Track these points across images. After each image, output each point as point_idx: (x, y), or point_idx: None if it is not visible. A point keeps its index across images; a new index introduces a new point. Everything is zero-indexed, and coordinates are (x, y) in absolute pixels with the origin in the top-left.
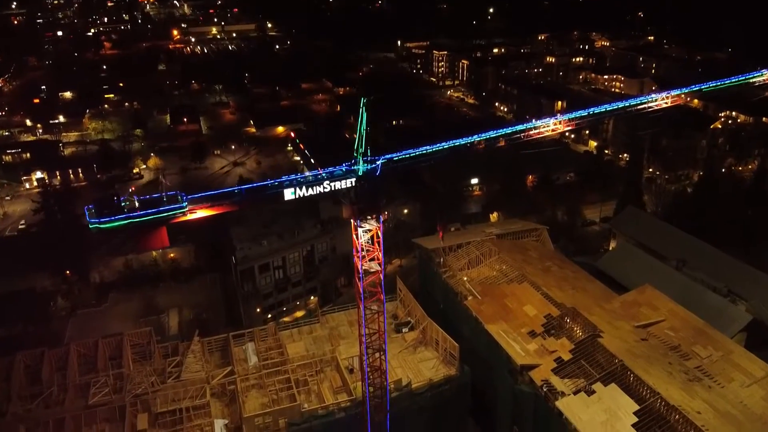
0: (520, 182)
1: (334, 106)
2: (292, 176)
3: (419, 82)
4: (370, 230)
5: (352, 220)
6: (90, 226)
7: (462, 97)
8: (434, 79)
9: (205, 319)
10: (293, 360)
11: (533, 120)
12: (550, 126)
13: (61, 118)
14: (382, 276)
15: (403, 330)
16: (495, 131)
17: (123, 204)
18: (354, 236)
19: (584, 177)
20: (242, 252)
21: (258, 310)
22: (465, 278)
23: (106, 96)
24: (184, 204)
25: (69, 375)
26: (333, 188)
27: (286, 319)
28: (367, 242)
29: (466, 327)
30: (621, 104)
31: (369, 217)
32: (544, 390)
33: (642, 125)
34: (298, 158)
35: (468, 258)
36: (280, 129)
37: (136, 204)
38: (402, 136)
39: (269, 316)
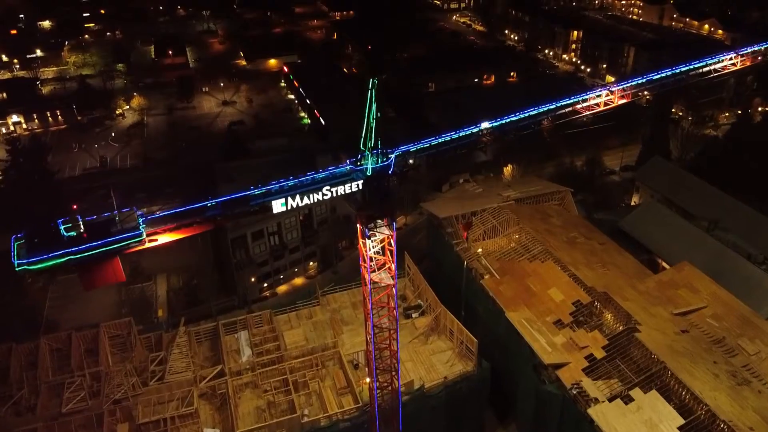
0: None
1: (330, 33)
2: (282, 182)
3: (421, 3)
4: (381, 239)
5: (358, 226)
6: (17, 268)
7: (469, 23)
8: (438, 1)
9: (196, 286)
10: (291, 352)
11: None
12: (602, 97)
13: (39, 52)
14: (395, 290)
15: (413, 315)
16: (536, 108)
17: (63, 231)
18: (361, 244)
19: (603, 117)
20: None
21: (253, 279)
22: (480, 250)
23: (86, 25)
24: (141, 230)
25: (40, 374)
26: (335, 194)
27: (283, 287)
28: (378, 253)
29: (482, 308)
30: (696, 64)
31: (380, 224)
32: (574, 393)
33: (665, 57)
34: (292, 96)
35: (484, 228)
36: (273, 62)
37: (81, 228)
38: (408, 68)
39: (265, 285)
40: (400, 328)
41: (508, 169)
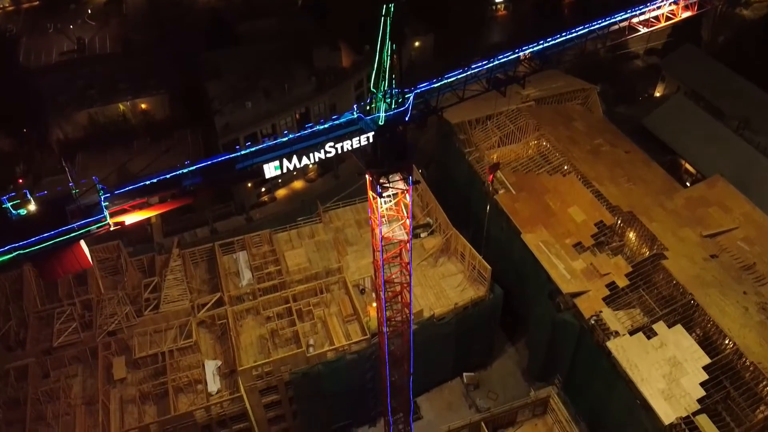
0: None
1: None
2: (274, 139)
3: None
4: (395, 194)
5: (368, 177)
6: None
7: None
8: None
9: (190, 191)
10: (293, 277)
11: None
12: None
13: None
14: (410, 245)
15: (422, 235)
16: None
17: (11, 209)
18: (370, 198)
19: None
20: (223, 119)
21: (249, 185)
22: (494, 157)
23: None
24: (104, 212)
25: (27, 305)
26: (340, 150)
27: (282, 191)
28: (390, 208)
29: (496, 226)
30: None
31: (395, 179)
32: (592, 323)
33: None
34: None
35: (500, 134)
36: None
37: (32, 207)
38: None
39: (263, 189)
40: None
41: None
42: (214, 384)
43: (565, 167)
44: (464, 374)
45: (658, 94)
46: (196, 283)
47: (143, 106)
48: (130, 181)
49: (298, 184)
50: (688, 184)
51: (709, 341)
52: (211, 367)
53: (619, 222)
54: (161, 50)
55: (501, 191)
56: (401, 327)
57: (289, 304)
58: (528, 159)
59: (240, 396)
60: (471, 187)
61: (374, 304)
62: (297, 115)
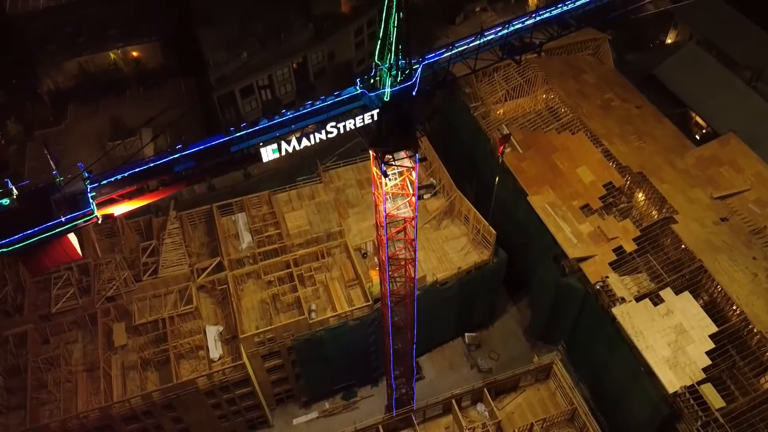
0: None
1: None
2: (272, 119)
3: None
4: (400, 172)
5: (372, 153)
6: None
7: None
8: None
9: (186, 144)
10: (294, 240)
11: None
12: None
13: None
14: (415, 222)
15: (425, 196)
16: None
17: None
18: (375, 179)
19: None
20: (217, 71)
21: None
22: (501, 111)
23: None
24: (91, 204)
25: (23, 269)
26: (342, 130)
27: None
28: (396, 185)
29: (501, 186)
30: None
31: (400, 155)
32: (598, 288)
33: None
34: None
35: (507, 87)
36: None
37: (15, 198)
38: None
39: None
40: None
41: (533, 0)
42: (215, 350)
43: (575, 124)
44: (466, 334)
45: (669, 41)
46: (195, 246)
47: (135, 54)
48: (118, 167)
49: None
50: (697, 137)
51: (716, 308)
52: (212, 333)
53: (628, 183)
54: None
55: (508, 150)
56: (405, 299)
57: (290, 269)
58: (536, 114)
59: (242, 364)
60: (476, 143)
61: (377, 269)
62: (294, 65)
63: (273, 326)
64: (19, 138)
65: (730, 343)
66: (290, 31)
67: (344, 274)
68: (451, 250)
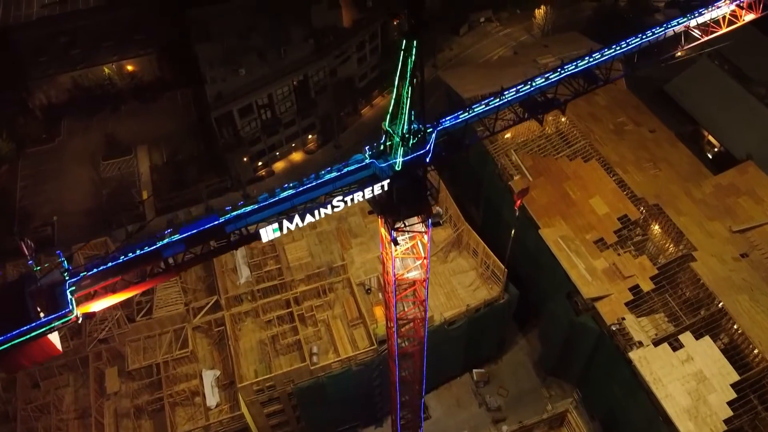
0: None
1: None
2: (274, 195)
3: None
4: (412, 237)
5: (380, 222)
6: None
7: None
8: None
9: (182, 162)
10: (295, 276)
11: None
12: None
13: None
14: (426, 284)
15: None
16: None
17: None
18: (384, 243)
19: None
20: (214, 87)
21: (245, 159)
22: (508, 135)
23: None
24: (69, 302)
25: None
26: (350, 203)
27: (280, 164)
28: (406, 250)
29: (509, 213)
30: None
31: (412, 221)
32: (614, 329)
33: None
34: None
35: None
36: None
37: None
38: None
39: (260, 163)
40: None
41: (540, 12)
42: (213, 397)
43: (587, 151)
44: (474, 371)
45: (680, 54)
46: (191, 281)
47: (130, 68)
48: (99, 258)
49: (297, 156)
50: (710, 156)
51: (737, 352)
52: (209, 378)
53: (643, 215)
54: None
55: (517, 177)
56: (414, 356)
57: (290, 308)
58: (545, 139)
59: (241, 414)
60: (483, 167)
61: (381, 305)
62: (294, 83)
63: (272, 374)
64: (10, 156)
65: (753, 392)
66: (290, 47)
67: (347, 312)
68: (459, 284)
